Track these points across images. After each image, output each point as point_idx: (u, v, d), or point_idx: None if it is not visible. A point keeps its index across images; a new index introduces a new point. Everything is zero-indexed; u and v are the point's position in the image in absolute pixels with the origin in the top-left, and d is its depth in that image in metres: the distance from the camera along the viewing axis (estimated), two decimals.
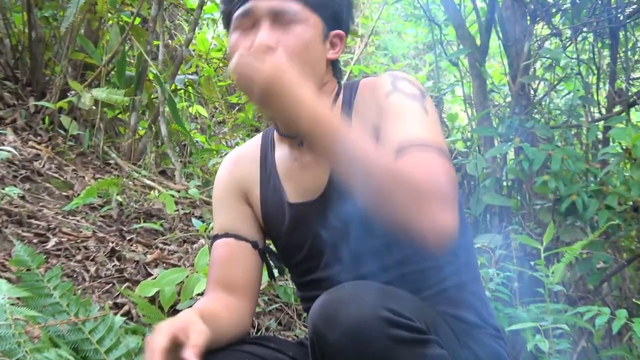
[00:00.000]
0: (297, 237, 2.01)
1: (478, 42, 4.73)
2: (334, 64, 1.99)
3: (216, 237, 2.08)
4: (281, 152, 2.06)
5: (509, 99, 4.70)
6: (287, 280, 3.62)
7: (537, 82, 4.64)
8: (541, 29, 4.79)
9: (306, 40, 1.82)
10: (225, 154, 5.36)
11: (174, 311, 3.04)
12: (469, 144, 4.81)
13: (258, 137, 2.18)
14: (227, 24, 1.95)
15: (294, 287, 2.26)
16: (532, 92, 4.62)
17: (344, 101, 1.96)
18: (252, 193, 2.09)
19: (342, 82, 2.02)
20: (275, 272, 2.17)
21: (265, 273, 2.14)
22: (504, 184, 4.45)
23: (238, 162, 2.15)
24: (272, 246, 2.17)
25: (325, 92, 1.95)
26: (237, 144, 5.72)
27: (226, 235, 2.06)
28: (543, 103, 4.70)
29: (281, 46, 1.78)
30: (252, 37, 1.82)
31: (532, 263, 3.41)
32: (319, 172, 1.94)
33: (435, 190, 1.57)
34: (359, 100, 1.94)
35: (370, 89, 1.92)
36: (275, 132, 2.09)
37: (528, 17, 4.52)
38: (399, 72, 1.92)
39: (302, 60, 1.79)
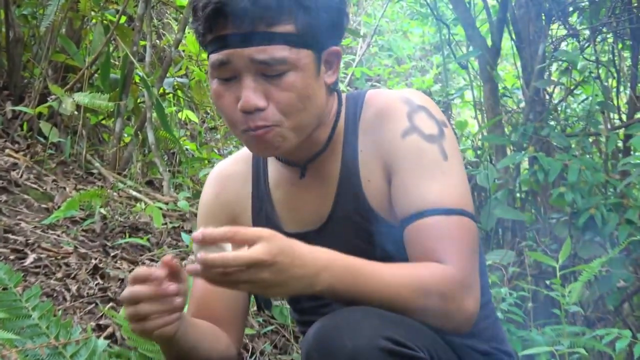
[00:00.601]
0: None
1: (489, 43, 4.75)
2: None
3: None
4: (276, 172, 2.02)
5: (522, 105, 4.72)
6: (283, 300, 3.63)
7: (552, 86, 4.64)
8: (557, 29, 4.81)
9: (300, 88, 1.74)
10: (217, 162, 5.38)
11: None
12: (479, 152, 4.82)
13: (247, 151, 2.09)
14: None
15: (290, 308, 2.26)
16: (547, 97, 4.63)
17: (348, 117, 1.92)
18: (242, 218, 2.06)
19: (343, 94, 1.99)
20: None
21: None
22: (517, 196, 4.46)
23: (226, 184, 2.10)
24: None
25: (325, 115, 1.89)
26: (230, 152, 5.72)
27: None
28: (559, 109, 4.72)
29: (272, 103, 1.73)
30: (235, 90, 1.75)
31: (547, 282, 3.42)
32: (321, 199, 1.92)
33: (457, 283, 1.67)
34: (365, 117, 1.90)
35: (380, 111, 1.87)
36: None
37: (543, 17, 4.54)
38: (415, 95, 1.87)
39: (299, 109, 1.75)
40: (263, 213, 2.02)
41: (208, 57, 1.79)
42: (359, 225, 1.87)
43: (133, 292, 1.61)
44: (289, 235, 1.93)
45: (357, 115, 1.91)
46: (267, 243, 1.50)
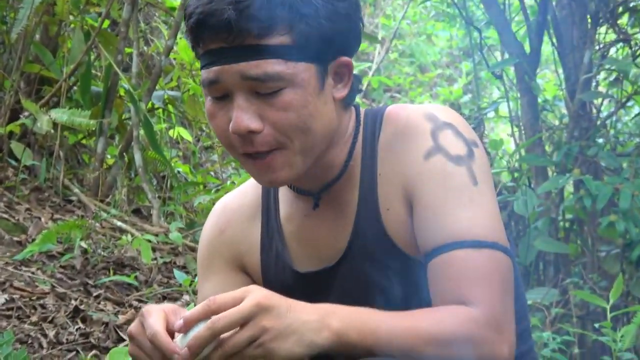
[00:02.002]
0: None
1: (527, 49, 4.78)
2: (344, 97, 1.89)
3: None
4: (288, 204, 2.02)
5: (565, 120, 4.74)
6: None
7: (600, 99, 4.67)
8: (605, 33, 4.83)
9: (298, 107, 1.74)
10: (216, 190, 5.43)
11: None
12: (516, 175, 4.83)
13: (255, 181, 2.06)
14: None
15: None
16: (594, 111, 4.65)
17: (366, 137, 1.92)
18: (250, 258, 2.06)
19: (362, 110, 1.97)
20: None
21: None
22: (561, 225, 4.47)
23: (231, 220, 2.09)
24: None
25: (340, 135, 1.89)
26: (229, 177, 5.76)
27: None
28: (608, 124, 4.73)
29: (268, 124, 1.73)
30: (227, 110, 1.75)
31: (596, 324, 3.43)
32: (337, 231, 1.92)
33: (487, 326, 1.67)
34: (384, 136, 1.89)
35: (401, 129, 1.87)
36: None
37: (589, 19, 4.56)
38: (440, 110, 1.87)
39: (302, 129, 1.75)
40: (273, 252, 2.02)
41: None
42: (378, 260, 1.87)
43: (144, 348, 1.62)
44: (302, 275, 1.97)
45: (375, 135, 1.91)
46: (256, 291, 1.54)
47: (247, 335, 1.52)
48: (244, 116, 1.72)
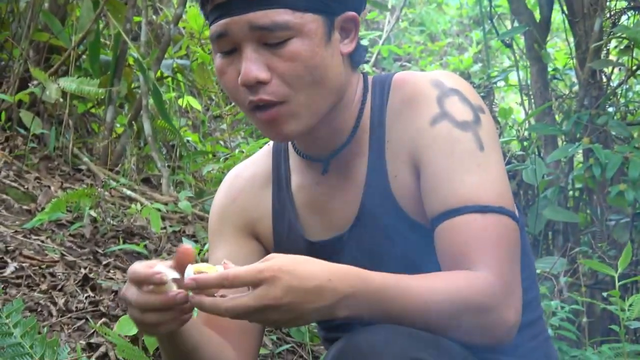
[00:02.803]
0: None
1: (537, 17, 4.75)
2: (352, 55, 1.93)
3: None
4: (300, 177, 2.04)
5: (575, 89, 4.72)
6: None
7: (611, 67, 4.64)
8: (616, 0, 4.80)
9: (306, 57, 1.77)
10: (225, 159, 5.42)
11: (160, 354, 3.07)
12: (525, 144, 4.83)
13: (266, 151, 2.16)
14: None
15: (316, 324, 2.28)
16: (605, 79, 4.62)
17: (374, 104, 1.94)
18: (262, 225, 2.09)
19: (368, 75, 2.00)
20: None
21: None
22: (570, 194, 4.46)
23: (243, 188, 2.12)
24: None
25: (348, 99, 1.92)
26: (238, 146, 5.75)
27: None
28: (619, 93, 4.71)
29: (276, 75, 1.76)
30: (236, 63, 1.79)
31: (604, 294, 3.44)
32: (347, 200, 1.94)
33: (495, 291, 1.69)
34: (392, 104, 1.91)
35: (408, 96, 1.89)
36: (290, 149, 2.08)
37: None
38: (448, 77, 1.89)
39: (308, 81, 1.78)
40: (285, 221, 2.05)
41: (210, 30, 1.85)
42: (388, 228, 1.89)
43: (137, 301, 1.62)
44: (313, 244, 1.97)
45: (384, 102, 1.93)
46: (270, 286, 1.53)
47: (254, 319, 1.57)
48: (253, 67, 1.75)
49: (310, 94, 1.79)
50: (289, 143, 2.06)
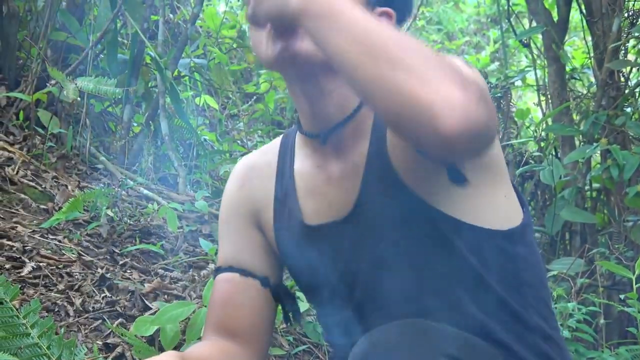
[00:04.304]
0: (320, 270, 2.00)
1: (555, 16, 4.74)
2: None
3: (219, 269, 2.10)
4: (302, 163, 2.05)
5: (593, 89, 4.71)
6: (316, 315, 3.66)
7: (629, 67, 4.63)
8: (635, 0, 4.78)
9: None
10: (241, 156, 5.42)
11: None
12: (543, 145, 4.82)
13: (276, 142, 2.17)
14: None
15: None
16: (623, 79, 4.61)
17: None
18: (265, 215, 2.09)
19: None
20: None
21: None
22: (587, 195, 4.45)
23: (250, 176, 2.14)
24: (290, 277, 2.19)
25: None
26: (255, 145, 5.76)
27: (230, 269, 2.08)
28: (637, 94, 4.70)
29: None
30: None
31: (621, 295, 3.43)
32: (347, 185, 1.93)
33: (456, 75, 1.48)
34: None
35: None
36: (297, 137, 2.08)
37: None
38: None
39: None
40: (286, 209, 2.05)
41: None
42: (390, 210, 1.87)
43: None
44: (312, 228, 1.97)
45: None
46: None
47: None
48: None
49: None
50: (296, 132, 2.07)
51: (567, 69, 4.84)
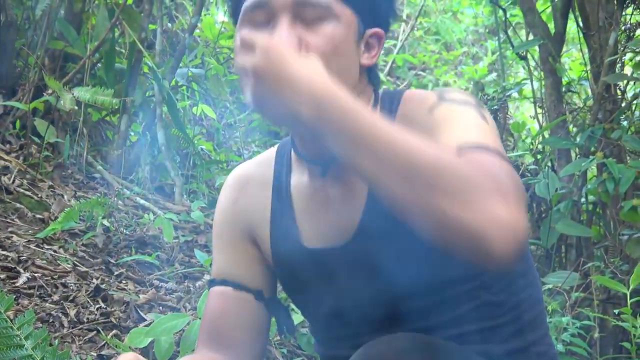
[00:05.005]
0: (317, 291, 1.99)
1: (552, 29, 4.75)
2: (369, 70, 1.94)
3: (213, 282, 2.09)
4: (300, 179, 2.02)
5: (590, 102, 4.71)
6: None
7: (625, 81, 4.64)
8: (631, 14, 4.79)
9: (337, 42, 1.77)
10: (237, 165, 5.39)
11: None
12: (539, 158, 4.82)
13: (271, 152, 2.14)
14: (234, 16, 1.91)
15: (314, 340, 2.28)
16: (619, 93, 4.61)
17: (383, 114, 1.89)
18: (260, 230, 2.07)
19: (381, 91, 1.99)
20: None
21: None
22: (583, 208, 4.45)
23: (245, 190, 2.11)
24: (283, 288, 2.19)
25: None
26: (252, 156, 5.76)
27: (224, 282, 2.06)
28: (633, 107, 4.70)
29: (304, 49, 1.74)
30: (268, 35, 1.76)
31: (616, 310, 3.43)
32: (348, 210, 1.92)
33: (494, 184, 1.49)
34: (401, 114, 1.90)
35: (415, 104, 1.88)
36: (292, 152, 2.06)
37: (615, 0, 4.52)
38: (453, 90, 1.89)
39: (331, 67, 1.67)
40: (283, 226, 2.03)
41: (240, 11, 1.84)
42: (391, 240, 1.86)
43: None
44: (311, 251, 1.96)
45: (392, 115, 1.91)
46: (264, 55, 1.53)
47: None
48: (287, 35, 1.74)
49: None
50: (292, 148, 2.05)
51: (564, 80, 4.84)
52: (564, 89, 4.81)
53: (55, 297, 3.43)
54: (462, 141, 1.64)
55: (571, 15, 4.78)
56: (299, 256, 1.98)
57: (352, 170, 1.55)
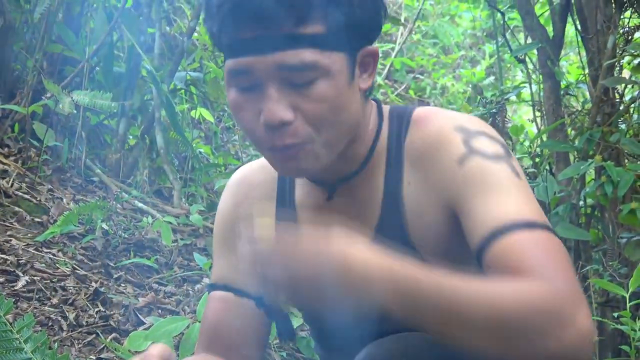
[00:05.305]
0: (321, 305, 1.95)
1: (550, 33, 4.75)
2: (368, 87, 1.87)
3: (214, 286, 2.07)
4: (304, 192, 2.00)
5: (588, 105, 4.71)
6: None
7: (623, 85, 4.64)
8: (629, 18, 4.79)
9: (333, 98, 1.70)
10: (236, 169, 5.40)
11: None
12: (537, 161, 4.82)
13: None
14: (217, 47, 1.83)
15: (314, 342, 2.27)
16: (617, 96, 4.62)
17: (391, 137, 1.89)
18: None
19: (389, 107, 1.95)
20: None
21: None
22: (582, 211, 4.45)
23: (248, 195, 2.07)
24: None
25: (362, 129, 1.86)
26: (250, 159, 5.76)
27: (225, 287, 2.04)
28: (631, 110, 4.70)
29: (300, 115, 1.68)
30: (256, 101, 1.69)
31: (614, 314, 3.42)
32: (356, 230, 1.82)
33: (565, 296, 1.52)
34: (412, 143, 1.86)
35: (431, 141, 1.82)
36: None
37: (613, 4, 4.53)
38: (470, 121, 1.83)
39: (331, 122, 1.71)
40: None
41: (224, 61, 1.75)
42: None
43: None
44: None
45: (401, 137, 1.88)
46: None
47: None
48: (278, 107, 1.66)
49: (331, 134, 1.72)
50: None
51: (563, 84, 4.84)
52: (562, 92, 4.81)
53: (55, 301, 3.43)
54: (504, 218, 1.63)
55: (569, 19, 4.78)
56: None
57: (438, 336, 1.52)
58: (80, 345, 3.19)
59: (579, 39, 4.74)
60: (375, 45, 1.82)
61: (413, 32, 9.74)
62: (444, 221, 1.80)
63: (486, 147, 1.75)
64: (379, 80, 8.59)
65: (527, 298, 1.48)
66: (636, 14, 4.67)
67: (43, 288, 3.49)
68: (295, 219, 1.99)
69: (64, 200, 4.51)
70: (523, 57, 5.03)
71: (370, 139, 1.89)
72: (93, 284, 3.63)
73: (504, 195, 1.68)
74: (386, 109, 1.94)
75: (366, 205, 1.89)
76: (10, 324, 2.63)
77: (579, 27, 4.67)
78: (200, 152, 5.82)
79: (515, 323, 1.46)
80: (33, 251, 3.80)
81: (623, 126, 4.47)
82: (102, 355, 3.16)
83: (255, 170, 2.10)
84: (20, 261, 3.64)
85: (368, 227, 1.88)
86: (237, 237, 2.06)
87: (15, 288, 3.42)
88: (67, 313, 3.36)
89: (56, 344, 3.09)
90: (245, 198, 2.07)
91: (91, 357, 3.12)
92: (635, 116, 4.68)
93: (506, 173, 1.71)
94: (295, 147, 1.71)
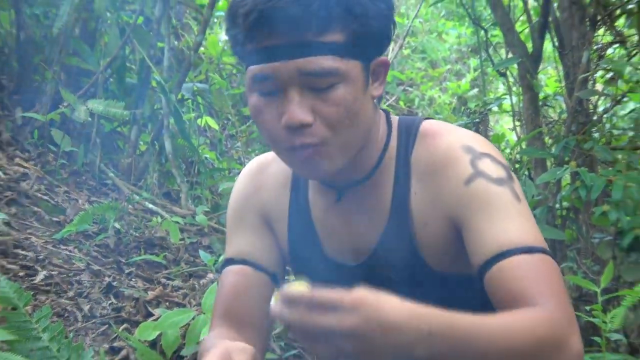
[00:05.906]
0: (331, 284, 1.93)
1: (530, 48, 4.77)
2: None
3: (230, 261, 2.02)
4: (315, 189, 1.98)
5: (564, 116, 4.73)
6: None
7: (597, 96, 4.65)
8: (603, 35, 4.81)
9: (350, 102, 1.70)
10: (238, 173, 5.41)
11: (177, 357, 3.09)
12: (517, 167, 4.84)
13: None
14: (235, 54, 1.82)
15: None
16: (591, 107, 4.64)
17: (400, 147, 1.89)
18: (277, 225, 2.03)
19: (398, 117, 1.95)
20: None
21: None
22: (558, 213, 4.47)
23: (267, 181, 2.05)
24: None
25: (373, 137, 1.86)
26: None
27: (243, 262, 2.00)
28: (604, 120, 4.72)
29: (319, 118, 1.68)
30: (278, 105, 1.69)
31: (587, 308, 3.43)
32: (363, 233, 1.89)
33: (563, 324, 1.57)
34: (419, 157, 1.85)
35: (438, 158, 1.82)
36: None
37: (587, 22, 4.54)
38: (476, 141, 1.83)
39: (347, 125, 1.71)
40: (302, 230, 1.99)
41: (246, 68, 1.75)
42: (399, 269, 1.85)
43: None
44: (332, 262, 1.93)
45: (408, 149, 1.87)
46: (348, 314, 1.37)
47: (330, 322, 1.37)
48: (299, 110, 1.67)
49: (347, 137, 1.72)
50: None
51: (541, 96, 4.86)
52: (540, 104, 4.83)
53: (70, 294, 3.44)
54: (506, 242, 1.66)
55: (547, 36, 4.80)
56: (319, 262, 1.96)
57: None
58: (94, 335, 3.20)
59: (556, 54, 4.76)
60: (384, 57, 1.82)
61: (403, 48, 9.74)
62: (447, 231, 1.80)
63: (491, 171, 1.76)
64: None
65: (532, 330, 1.52)
66: (609, 31, 4.69)
67: (60, 282, 3.49)
68: (309, 214, 1.98)
69: (80, 201, 4.52)
70: (504, 70, 5.05)
71: (380, 147, 1.88)
72: (106, 278, 3.64)
73: (505, 220, 1.69)
74: (395, 119, 1.93)
75: (373, 210, 1.88)
76: (30, 315, 2.63)
77: (556, 43, 4.69)
78: (205, 158, 5.82)
79: (523, 354, 1.50)
80: (51, 248, 3.80)
81: (596, 135, 4.49)
82: (114, 344, 3.17)
83: (274, 159, 2.07)
84: (39, 257, 3.64)
85: (375, 232, 1.88)
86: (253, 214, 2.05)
87: (34, 282, 3.43)
88: (81, 305, 3.37)
89: (71, 333, 3.10)
90: (263, 184, 2.06)
91: (104, 345, 3.13)
92: (607, 126, 4.70)
93: (508, 197, 1.72)
94: (312, 147, 1.70)
